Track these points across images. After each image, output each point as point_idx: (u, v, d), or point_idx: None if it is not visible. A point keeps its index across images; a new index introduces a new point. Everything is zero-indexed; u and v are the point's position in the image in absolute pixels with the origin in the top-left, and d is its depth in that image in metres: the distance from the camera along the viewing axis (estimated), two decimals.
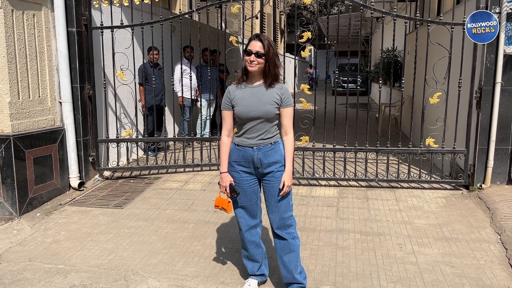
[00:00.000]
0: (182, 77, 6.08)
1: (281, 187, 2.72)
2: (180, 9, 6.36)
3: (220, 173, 2.81)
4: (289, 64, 20.06)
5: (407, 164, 5.26)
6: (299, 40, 4.97)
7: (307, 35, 4.96)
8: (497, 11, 4.68)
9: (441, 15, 5.03)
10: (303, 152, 5.33)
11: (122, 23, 5.40)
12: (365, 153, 5.27)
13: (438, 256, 3.52)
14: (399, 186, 5.25)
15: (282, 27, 25.96)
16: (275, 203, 2.77)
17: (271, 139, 2.74)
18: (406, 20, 5.09)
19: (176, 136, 6.27)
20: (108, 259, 3.55)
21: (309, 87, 5.13)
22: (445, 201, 4.78)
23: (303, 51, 5.00)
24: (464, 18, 4.79)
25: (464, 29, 4.77)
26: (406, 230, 4.05)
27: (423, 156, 5.21)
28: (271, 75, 2.66)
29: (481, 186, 4.93)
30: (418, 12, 6.30)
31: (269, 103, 2.67)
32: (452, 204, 4.68)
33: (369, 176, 5.28)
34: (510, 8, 4.68)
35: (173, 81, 6.10)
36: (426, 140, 5.12)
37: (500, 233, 3.88)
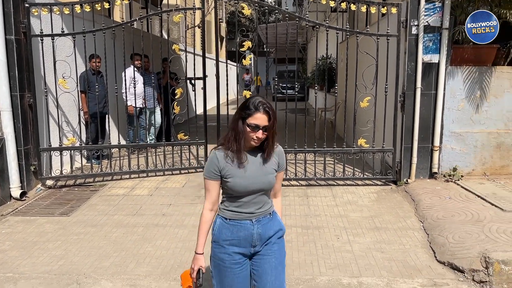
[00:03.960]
0: (133, 84, 6.12)
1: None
2: (121, 18, 6.42)
3: (195, 253, 2.25)
4: (230, 71, 20.36)
5: (342, 164, 5.69)
6: (240, 49, 5.24)
7: (248, 44, 5.24)
8: (416, 24, 5.25)
9: (368, 26, 5.54)
10: None
11: (63, 31, 5.39)
12: (304, 154, 5.63)
13: (370, 244, 3.92)
14: (335, 183, 5.67)
15: (222, 34, 26.29)
16: (269, 285, 2.27)
17: (269, 209, 2.32)
18: (338, 31, 5.54)
19: (121, 143, 6.30)
20: (58, 265, 3.58)
21: (251, 93, 5.41)
22: (377, 195, 5.25)
23: (244, 59, 5.28)
24: (388, 30, 5.32)
25: (388, 39, 5.29)
26: (343, 222, 4.43)
27: (356, 156, 5.68)
28: (270, 146, 2.23)
29: (407, 181, 5.47)
30: (348, 23, 6.82)
31: (270, 172, 2.26)
32: (382, 198, 5.16)
33: (308, 176, 5.65)
34: (427, 21, 5.26)
35: (122, 88, 6.15)
36: (358, 140, 5.58)
37: (423, 221, 4.37)
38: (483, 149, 5.46)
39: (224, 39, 25.16)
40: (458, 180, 5.32)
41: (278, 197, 2.44)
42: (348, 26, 6.21)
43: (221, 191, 2.28)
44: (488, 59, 5.51)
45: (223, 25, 27.48)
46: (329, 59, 10.64)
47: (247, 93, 5.40)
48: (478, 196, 4.75)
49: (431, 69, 5.32)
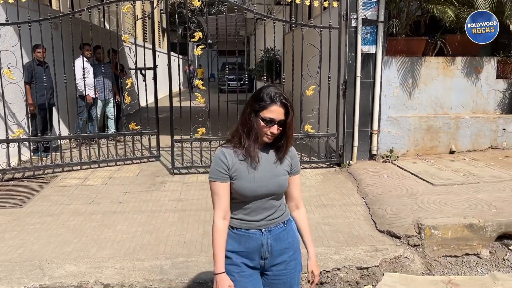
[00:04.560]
0: (84, 75, 6.05)
1: (310, 279, 2.09)
2: (58, 8, 6.32)
3: (214, 274, 1.94)
4: (174, 63, 20.21)
5: None
6: (191, 40, 5.40)
7: (198, 35, 5.41)
8: (355, 17, 5.67)
9: (312, 19, 5.89)
10: (201, 142, 5.77)
11: (8, 21, 5.25)
12: None
13: (319, 219, 4.28)
14: None
15: (164, 25, 25.92)
16: None
17: (282, 216, 2.05)
18: (284, 23, 5.85)
19: (71, 135, 6.23)
20: (18, 253, 3.60)
21: (202, 82, 5.58)
22: (322, 177, 5.65)
23: (196, 49, 5.43)
24: (330, 22, 5.70)
25: (330, 31, 5.67)
26: None
27: (303, 141, 6.04)
28: (288, 144, 2.00)
29: (349, 162, 5.92)
30: (293, 16, 7.15)
31: (282, 174, 2.02)
32: (328, 179, 5.57)
33: None
34: (365, 15, 5.70)
35: (71, 79, 6.06)
36: (305, 127, 5.94)
37: (365, 197, 4.81)
38: (415, 132, 6.02)
39: (166, 31, 24.85)
40: (395, 160, 5.85)
41: (300, 207, 2.15)
42: (294, 19, 6.53)
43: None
44: (419, 50, 6.07)
45: (164, 16, 27.10)
46: (274, 51, 10.99)
47: (199, 83, 5.56)
48: (412, 174, 5.28)
49: (369, 59, 5.78)
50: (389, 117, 5.96)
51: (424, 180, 5.02)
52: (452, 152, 6.12)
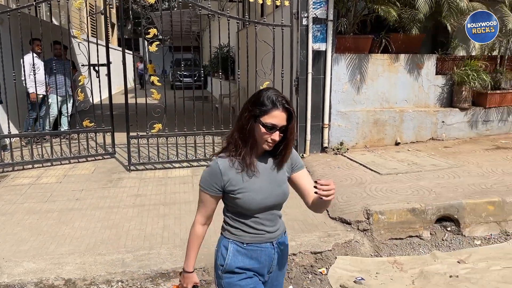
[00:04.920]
0: (33, 71, 5.88)
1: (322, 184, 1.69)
2: (6, 2, 6.12)
3: (183, 271, 1.95)
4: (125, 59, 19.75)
5: None
6: (147, 36, 5.41)
7: (153, 31, 5.43)
8: (306, 15, 5.91)
9: (265, 16, 6.07)
10: (157, 138, 5.80)
11: None
12: (212, 136, 6.02)
13: None
14: None
15: (113, 20, 25.25)
16: None
17: (283, 226, 2.01)
18: (238, 20, 5.98)
19: (22, 132, 6.06)
20: None
21: (158, 78, 5.61)
22: None
23: (151, 46, 5.45)
24: (282, 20, 5.90)
25: (282, 29, 5.88)
26: None
27: None
28: (288, 151, 1.88)
29: (302, 155, 6.17)
30: (246, 13, 7.31)
31: (284, 181, 1.92)
32: None
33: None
34: (315, 14, 5.95)
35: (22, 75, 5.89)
36: None
37: None
38: (363, 125, 6.38)
39: (121, 26, 24.23)
40: (345, 152, 6.17)
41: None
42: (247, 16, 6.69)
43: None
44: (365, 48, 6.42)
45: (113, 11, 26.39)
46: (228, 47, 11.11)
47: (155, 79, 5.58)
48: (361, 164, 5.61)
49: (320, 56, 6.05)
50: (339, 112, 6.26)
51: (372, 170, 5.36)
52: (397, 143, 6.53)
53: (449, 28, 6.71)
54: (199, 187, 1.89)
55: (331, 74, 6.12)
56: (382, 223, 4.08)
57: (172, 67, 14.44)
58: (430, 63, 6.73)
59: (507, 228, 4.28)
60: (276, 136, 1.77)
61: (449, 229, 4.24)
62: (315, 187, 1.68)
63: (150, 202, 4.69)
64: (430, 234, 4.17)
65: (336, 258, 3.67)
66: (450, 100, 6.92)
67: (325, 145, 6.23)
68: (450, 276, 3.42)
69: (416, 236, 4.14)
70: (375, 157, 5.95)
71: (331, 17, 5.95)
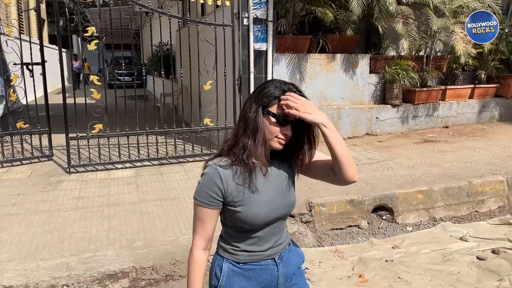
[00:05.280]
0: None
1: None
2: None
3: None
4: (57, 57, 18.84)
5: (191, 143, 6.22)
6: (85, 34, 5.26)
7: (92, 29, 5.29)
8: (246, 16, 6.03)
9: (206, 16, 6.11)
10: (98, 139, 5.66)
11: None
12: (155, 136, 5.98)
13: None
14: (186, 160, 6.18)
15: (43, 16, 23.97)
16: None
17: (288, 237, 1.74)
18: (180, 19, 5.98)
19: None
20: None
21: (98, 78, 5.47)
22: None
23: (89, 44, 5.31)
24: (223, 20, 5.98)
25: (224, 29, 5.96)
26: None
27: (203, 134, 6.27)
28: (312, 153, 1.59)
29: None
30: (188, 12, 7.30)
31: (292, 188, 1.67)
32: None
33: (160, 155, 6.03)
34: (255, 14, 6.09)
35: None
36: (204, 120, 6.17)
37: None
38: None
39: (46, 22, 23.03)
40: None
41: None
42: (189, 15, 6.69)
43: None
44: (304, 48, 6.67)
45: (43, 6, 25.05)
46: (167, 45, 10.99)
47: (94, 78, 5.44)
48: None
49: (261, 56, 6.20)
50: None
51: None
52: None
53: (381, 30, 7.14)
54: (194, 201, 1.57)
55: (272, 73, 6.29)
56: (323, 214, 4.30)
57: (108, 66, 13.99)
58: (364, 62, 7.12)
59: (434, 214, 4.68)
60: (288, 130, 1.50)
61: (384, 217, 4.55)
62: (280, 99, 1.46)
63: (93, 204, 4.59)
64: (368, 223, 4.46)
65: None
66: (383, 97, 7.37)
67: None
68: (386, 261, 3.69)
69: (355, 225, 4.41)
70: None
71: (271, 17, 6.12)
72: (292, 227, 4.10)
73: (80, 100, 5.39)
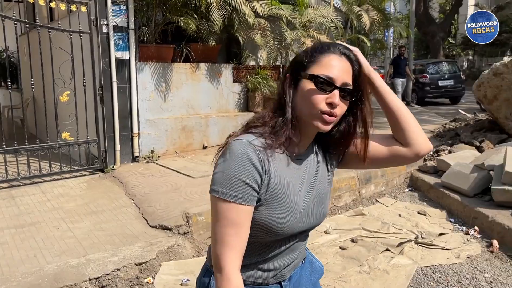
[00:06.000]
0: None
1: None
2: None
3: None
4: None
5: (48, 160, 5.62)
6: None
7: None
8: (105, 23, 5.72)
9: (59, 21, 5.62)
10: None
11: None
12: (3, 155, 5.26)
13: (91, 226, 4.23)
14: (42, 180, 5.57)
15: None
16: None
17: (302, 253, 1.34)
18: (28, 24, 5.38)
19: None
20: None
21: None
22: (87, 184, 5.52)
23: None
24: (80, 27, 5.56)
25: (81, 36, 5.55)
26: (59, 214, 4.53)
27: (61, 150, 5.73)
28: (366, 138, 1.22)
29: (113, 167, 5.96)
30: (33, 15, 6.58)
31: (328, 193, 1.29)
32: (93, 186, 5.48)
33: (10, 177, 5.32)
34: (115, 22, 5.82)
35: None
36: (62, 134, 5.65)
37: (133, 198, 4.98)
38: (172, 132, 6.55)
39: None
40: (156, 160, 6.23)
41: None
42: (38, 20, 6.06)
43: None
44: (168, 57, 6.61)
45: None
46: (8, 52, 9.78)
47: None
48: (174, 170, 5.75)
49: (123, 65, 5.94)
50: (148, 120, 6.28)
51: (185, 175, 5.56)
52: (205, 147, 6.92)
53: (241, 40, 7.45)
54: (215, 198, 1.17)
55: (136, 83, 6.08)
56: (200, 223, 4.30)
57: None
58: (227, 71, 7.35)
59: None
60: (335, 97, 1.07)
61: None
62: None
63: None
64: None
65: (161, 265, 3.71)
66: (246, 105, 7.70)
67: (136, 154, 6.16)
68: None
69: None
70: (186, 162, 6.18)
71: (132, 25, 5.92)
72: (170, 240, 4.01)
73: None
